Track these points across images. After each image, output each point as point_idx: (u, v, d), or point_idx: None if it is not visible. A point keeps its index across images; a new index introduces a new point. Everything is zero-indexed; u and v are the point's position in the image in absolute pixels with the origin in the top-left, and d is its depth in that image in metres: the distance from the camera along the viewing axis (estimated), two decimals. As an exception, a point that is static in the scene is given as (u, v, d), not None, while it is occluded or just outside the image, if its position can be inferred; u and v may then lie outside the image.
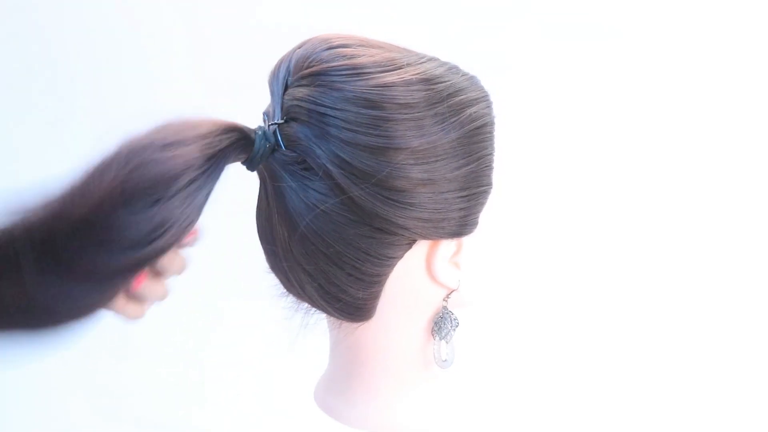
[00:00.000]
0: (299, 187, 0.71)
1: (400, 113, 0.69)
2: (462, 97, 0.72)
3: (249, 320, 1.33)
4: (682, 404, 1.49)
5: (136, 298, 0.71)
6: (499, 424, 0.89)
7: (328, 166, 0.69)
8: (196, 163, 0.62)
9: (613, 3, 1.46)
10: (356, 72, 0.69)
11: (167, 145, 0.61)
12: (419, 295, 0.76)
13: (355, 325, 0.77)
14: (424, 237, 0.72)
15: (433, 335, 0.78)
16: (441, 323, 0.78)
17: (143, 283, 0.70)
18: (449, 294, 0.77)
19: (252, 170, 0.73)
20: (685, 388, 1.49)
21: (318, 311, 0.78)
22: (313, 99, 0.70)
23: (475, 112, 0.72)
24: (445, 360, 0.78)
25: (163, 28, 1.61)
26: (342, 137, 0.69)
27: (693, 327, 1.50)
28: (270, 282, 0.79)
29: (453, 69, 0.74)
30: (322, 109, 0.69)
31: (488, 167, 0.74)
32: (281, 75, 0.74)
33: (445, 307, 0.78)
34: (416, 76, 0.70)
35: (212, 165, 0.64)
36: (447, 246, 0.74)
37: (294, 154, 0.71)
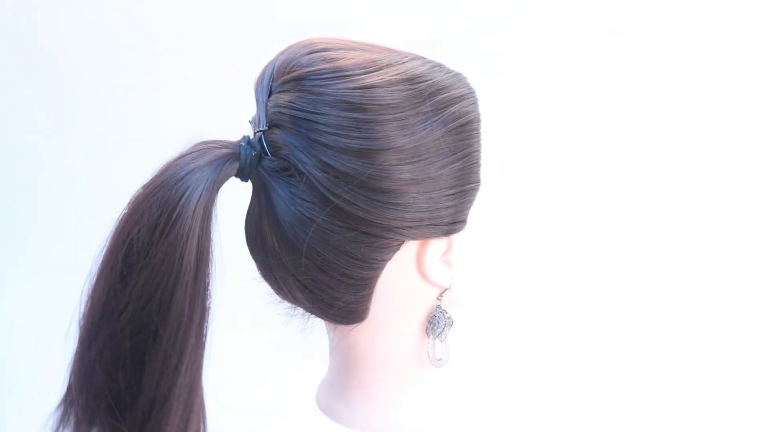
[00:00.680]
0: (287, 194, 0.71)
1: (382, 114, 0.68)
2: (446, 94, 0.72)
3: (249, 323, 1.33)
4: (679, 400, 1.49)
5: None
6: (499, 424, 0.88)
7: (314, 171, 0.69)
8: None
9: (613, 3, 1.46)
10: (337, 75, 0.70)
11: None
12: (412, 295, 0.76)
13: (349, 327, 0.77)
14: (414, 238, 0.72)
15: (427, 334, 0.78)
16: (435, 322, 0.77)
17: None
18: (442, 293, 0.77)
19: (245, 181, 0.73)
20: (681, 383, 1.49)
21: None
22: (295, 104, 0.70)
23: (459, 110, 0.72)
24: (440, 359, 0.78)
25: (163, 27, 1.61)
26: (325, 141, 0.69)
27: (687, 321, 1.50)
28: (266, 288, 0.79)
29: (436, 67, 0.74)
30: (305, 114, 0.69)
31: (475, 164, 0.74)
32: (265, 81, 0.74)
33: (438, 306, 0.77)
34: (398, 76, 0.70)
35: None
36: (437, 245, 0.74)
37: (280, 162, 0.71)
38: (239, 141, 0.73)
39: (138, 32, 1.60)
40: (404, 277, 0.75)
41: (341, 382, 0.81)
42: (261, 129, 0.72)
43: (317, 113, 0.69)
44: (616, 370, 1.50)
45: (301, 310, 0.79)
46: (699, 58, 1.46)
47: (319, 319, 0.80)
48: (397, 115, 0.69)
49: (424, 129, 0.70)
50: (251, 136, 0.74)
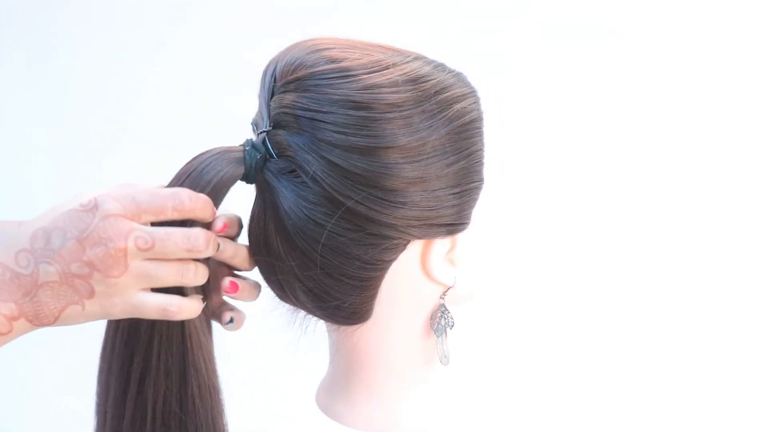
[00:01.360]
0: (292, 196, 0.71)
1: (388, 113, 0.69)
2: (449, 93, 0.72)
3: (248, 324, 1.33)
4: (679, 400, 1.49)
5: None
6: (502, 423, 0.88)
7: (320, 171, 0.69)
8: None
9: (613, 3, 1.46)
10: (342, 75, 0.70)
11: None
12: (416, 294, 0.76)
13: (353, 327, 0.77)
14: (419, 237, 0.72)
15: (432, 333, 0.78)
16: (439, 321, 0.78)
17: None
18: (446, 291, 0.77)
19: (250, 183, 0.73)
20: (681, 382, 1.49)
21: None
22: (300, 104, 0.70)
23: (463, 108, 0.72)
24: (446, 356, 0.78)
25: (164, 27, 1.61)
26: (331, 140, 0.69)
27: (687, 320, 1.50)
28: (267, 290, 0.78)
29: (439, 66, 0.74)
30: (310, 114, 0.69)
31: (479, 163, 0.74)
32: (267, 82, 0.74)
33: (442, 305, 0.77)
34: (402, 76, 0.70)
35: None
36: (441, 243, 0.74)
37: (286, 163, 0.71)
38: (243, 144, 0.73)
39: (138, 32, 1.60)
40: (409, 277, 0.75)
41: (343, 382, 0.81)
42: (265, 129, 0.72)
43: (323, 112, 0.69)
44: (617, 370, 1.50)
45: (302, 313, 0.79)
46: (698, 58, 1.46)
47: (318, 322, 0.80)
48: (402, 114, 0.69)
49: (429, 128, 0.70)
50: (254, 138, 0.74)
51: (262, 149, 0.72)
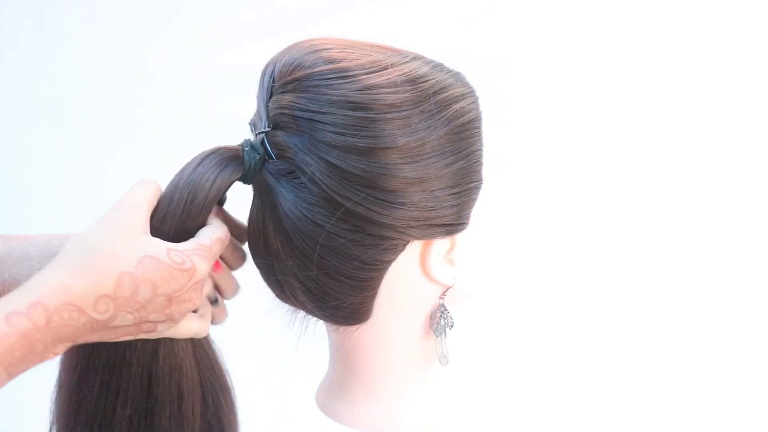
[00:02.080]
0: (291, 196, 0.71)
1: (386, 113, 0.69)
2: (447, 93, 0.72)
3: (248, 324, 1.33)
4: (679, 399, 1.49)
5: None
6: (502, 423, 0.88)
7: (317, 173, 0.69)
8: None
9: (613, 4, 1.46)
10: (341, 75, 0.70)
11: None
12: (415, 294, 0.76)
13: (352, 327, 0.77)
14: (418, 237, 0.72)
15: (431, 332, 0.78)
16: (438, 321, 0.78)
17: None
18: (445, 291, 0.77)
19: (248, 184, 0.73)
20: (681, 382, 1.49)
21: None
22: (299, 105, 0.70)
23: (461, 108, 0.72)
24: (444, 356, 0.78)
25: (164, 27, 1.61)
26: (330, 141, 0.69)
27: (687, 320, 1.50)
28: (267, 290, 0.79)
29: (438, 67, 0.74)
30: (309, 115, 0.69)
31: (478, 163, 0.74)
32: (265, 82, 0.74)
33: (442, 305, 0.78)
34: (401, 77, 0.70)
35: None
36: (441, 243, 0.74)
37: (285, 164, 0.71)
38: (241, 145, 0.73)
39: (138, 33, 1.61)
40: (408, 277, 0.75)
41: (342, 382, 0.81)
42: (263, 130, 0.72)
43: (322, 113, 0.69)
44: (617, 369, 1.50)
45: (302, 313, 0.79)
46: (699, 60, 1.46)
47: (318, 323, 0.80)
48: (401, 114, 0.69)
49: (428, 128, 0.70)
50: (252, 139, 0.74)
51: (261, 150, 0.72)
